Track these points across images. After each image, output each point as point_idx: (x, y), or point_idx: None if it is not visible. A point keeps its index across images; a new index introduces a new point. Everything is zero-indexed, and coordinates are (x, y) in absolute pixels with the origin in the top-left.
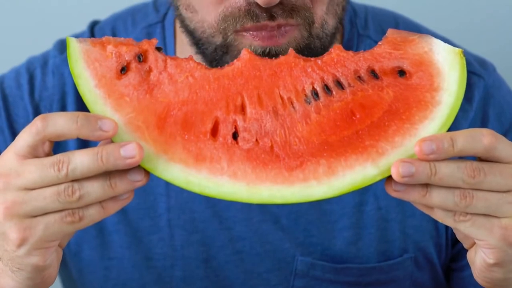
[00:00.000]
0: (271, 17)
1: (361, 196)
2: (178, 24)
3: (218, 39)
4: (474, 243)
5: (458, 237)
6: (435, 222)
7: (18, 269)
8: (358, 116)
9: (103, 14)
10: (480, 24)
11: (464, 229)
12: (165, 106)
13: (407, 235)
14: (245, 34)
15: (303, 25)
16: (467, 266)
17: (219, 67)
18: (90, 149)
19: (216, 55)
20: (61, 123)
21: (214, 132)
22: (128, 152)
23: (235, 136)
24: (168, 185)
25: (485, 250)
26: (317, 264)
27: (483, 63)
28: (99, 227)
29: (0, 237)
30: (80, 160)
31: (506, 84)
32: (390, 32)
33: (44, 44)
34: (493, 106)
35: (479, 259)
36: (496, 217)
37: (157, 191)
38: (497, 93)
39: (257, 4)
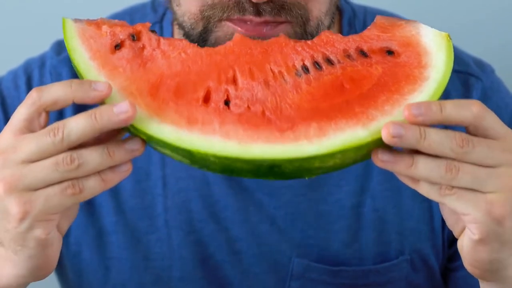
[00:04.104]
0: (258, 13)
1: (358, 198)
2: (176, 25)
3: (199, 28)
4: (463, 230)
5: (448, 223)
6: (432, 224)
7: (21, 247)
8: (347, 87)
9: (101, 14)
10: (479, 24)
11: (449, 203)
12: (158, 76)
13: (404, 236)
14: (229, 23)
15: (296, 22)
16: (463, 266)
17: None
18: (83, 112)
19: (199, 46)
20: (55, 89)
21: (206, 99)
22: (121, 108)
23: (227, 103)
24: (165, 185)
25: (470, 225)
26: (313, 266)
27: (481, 64)
28: (98, 227)
29: (2, 216)
30: (75, 123)
31: (504, 86)
32: (379, 18)
33: (41, 45)
34: (490, 107)
35: (466, 240)
36: (482, 192)
37: (155, 191)
38: (495, 95)
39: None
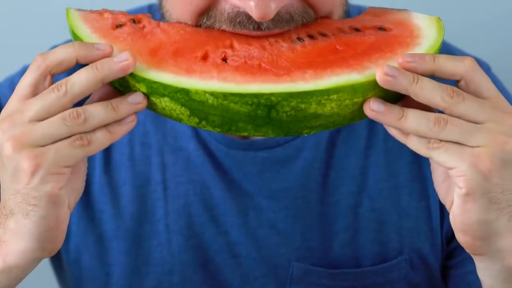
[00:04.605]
0: (258, 28)
1: (356, 198)
2: None
3: None
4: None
5: (439, 195)
6: (430, 222)
7: (33, 207)
8: (341, 49)
9: None
10: (479, 25)
11: (437, 156)
12: (157, 43)
13: (403, 236)
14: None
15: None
16: (461, 263)
17: None
18: (85, 67)
19: None
20: (59, 50)
21: (204, 58)
22: (121, 57)
23: (224, 60)
24: (165, 190)
25: (458, 179)
26: (312, 270)
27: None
28: (98, 233)
29: (12, 176)
30: (77, 76)
31: (501, 83)
32: (370, 8)
33: (40, 47)
34: None
35: (455, 201)
36: (469, 146)
37: (155, 196)
38: None
39: (246, 14)
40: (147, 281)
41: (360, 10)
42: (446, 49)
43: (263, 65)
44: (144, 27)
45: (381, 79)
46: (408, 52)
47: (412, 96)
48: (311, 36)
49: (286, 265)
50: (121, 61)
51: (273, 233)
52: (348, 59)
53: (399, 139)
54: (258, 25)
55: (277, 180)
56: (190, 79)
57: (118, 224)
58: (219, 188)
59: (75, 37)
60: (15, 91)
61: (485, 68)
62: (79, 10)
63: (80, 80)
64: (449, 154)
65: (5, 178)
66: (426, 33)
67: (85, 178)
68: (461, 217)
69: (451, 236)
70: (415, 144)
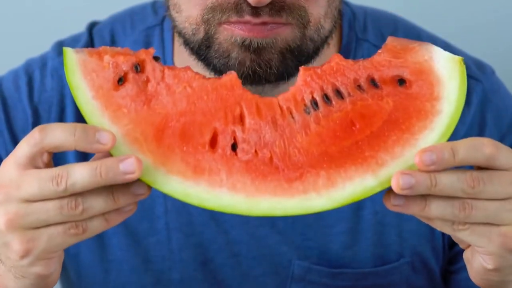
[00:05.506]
0: (256, 14)
1: (358, 201)
2: (176, 32)
3: (201, 34)
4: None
5: (455, 239)
6: (432, 226)
7: (22, 277)
8: (357, 126)
9: (101, 15)
10: (480, 26)
11: (464, 237)
12: (163, 118)
13: (404, 239)
14: (227, 26)
15: (296, 25)
16: (464, 269)
17: (215, 75)
18: (89, 163)
19: (202, 52)
20: (59, 135)
21: (213, 143)
22: (127, 167)
23: (234, 147)
24: None
25: (484, 256)
26: (313, 269)
27: (481, 66)
28: None
29: (3, 246)
30: (80, 174)
31: (505, 87)
32: (390, 40)
33: (42, 45)
34: (491, 110)
35: (477, 264)
36: (495, 225)
37: (154, 193)
38: (495, 97)
39: (246, 0)
40: (146, 278)
41: (365, 13)
42: (448, 50)
43: (274, 160)
44: (148, 80)
45: (397, 191)
46: (424, 149)
47: (432, 194)
48: (325, 97)
49: (286, 264)
50: (126, 173)
51: (274, 232)
52: (363, 147)
53: (423, 220)
54: (255, 11)
55: None
56: (198, 185)
57: None
58: None
59: (74, 98)
60: (14, 153)
61: (489, 71)
62: (77, 51)
63: (82, 180)
64: (476, 236)
65: None
66: (447, 92)
67: None
68: (481, 276)
69: (452, 241)
70: (439, 226)
